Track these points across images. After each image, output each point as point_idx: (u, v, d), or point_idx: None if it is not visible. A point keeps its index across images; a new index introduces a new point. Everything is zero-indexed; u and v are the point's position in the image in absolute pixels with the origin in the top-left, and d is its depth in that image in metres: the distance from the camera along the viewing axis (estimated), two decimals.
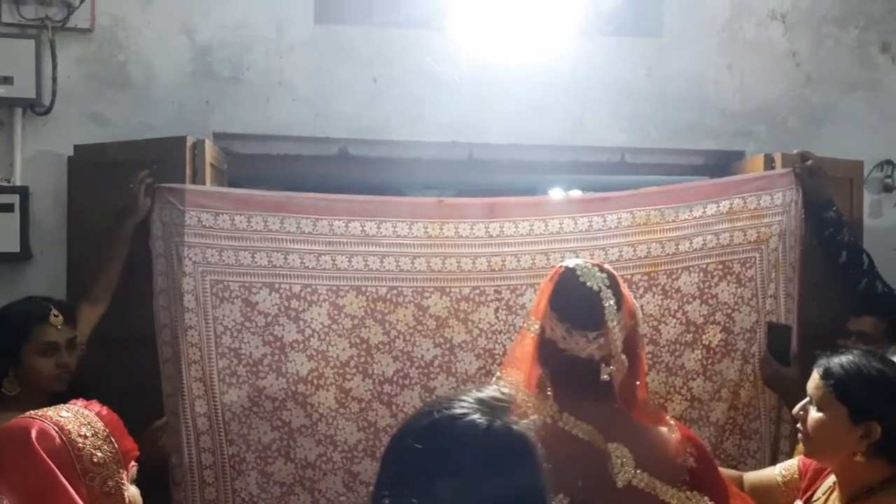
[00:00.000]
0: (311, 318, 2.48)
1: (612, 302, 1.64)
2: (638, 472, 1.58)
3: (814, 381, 1.73)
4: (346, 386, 2.48)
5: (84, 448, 1.28)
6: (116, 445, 1.32)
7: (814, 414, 1.71)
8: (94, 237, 2.65)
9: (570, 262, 1.72)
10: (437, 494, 1.01)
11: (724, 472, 2.11)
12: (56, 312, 2.30)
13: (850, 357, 1.69)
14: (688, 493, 1.58)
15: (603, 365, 1.63)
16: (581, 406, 1.64)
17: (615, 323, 1.64)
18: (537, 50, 3.21)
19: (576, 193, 3.53)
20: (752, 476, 2.08)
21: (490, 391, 1.17)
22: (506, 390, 1.20)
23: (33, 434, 1.27)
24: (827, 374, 1.69)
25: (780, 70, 3.39)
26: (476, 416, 1.09)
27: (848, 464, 1.67)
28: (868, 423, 1.63)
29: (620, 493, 1.57)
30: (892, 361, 1.74)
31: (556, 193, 4.11)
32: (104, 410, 1.36)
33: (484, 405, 1.12)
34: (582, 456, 1.56)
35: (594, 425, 1.62)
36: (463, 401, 1.12)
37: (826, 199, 2.74)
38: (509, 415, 1.12)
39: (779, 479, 1.99)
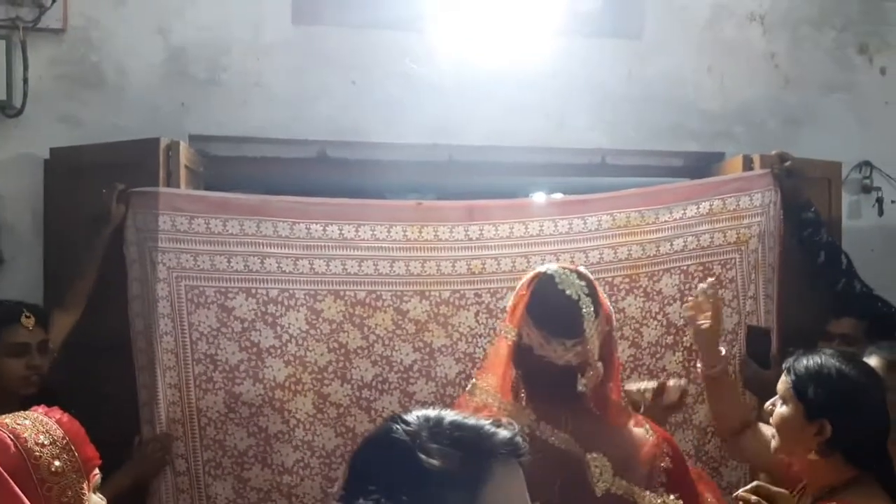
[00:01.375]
0: (289, 323, 2.44)
1: (591, 310, 1.63)
2: (616, 479, 1.57)
3: (782, 377, 1.76)
4: (325, 391, 2.45)
5: (41, 457, 1.24)
6: (77, 454, 1.28)
7: (778, 409, 1.75)
8: (71, 240, 2.61)
9: (548, 269, 1.70)
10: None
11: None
12: (27, 314, 2.28)
13: (817, 356, 1.71)
14: (664, 496, 1.57)
15: (580, 375, 1.61)
16: (557, 414, 1.63)
17: (593, 330, 1.62)
18: (517, 52, 3.19)
19: (557, 196, 3.52)
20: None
21: (470, 420, 1.03)
22: (510, 436, 1.01)
23: None
24: (790, 371, 1.72)
25: (758, 72, 3.40)
26: (397, 430, 1.00)
27: (807, 462, 1.69)
28: (820, 421, 1.65)
29: (599, 501, 1.56)
30: (864, 363, 1.77)
31: (538, 196, 4.09)
32: (65, 418, 1.31)
33: (433, 425, 1.00)
34: (558, 464, 1.55)
35: (571, 434, 1.61)
36: (417, 415, 1.03)
37: (805, 199, 2.75)
38: (449, 445, 0.98)
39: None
